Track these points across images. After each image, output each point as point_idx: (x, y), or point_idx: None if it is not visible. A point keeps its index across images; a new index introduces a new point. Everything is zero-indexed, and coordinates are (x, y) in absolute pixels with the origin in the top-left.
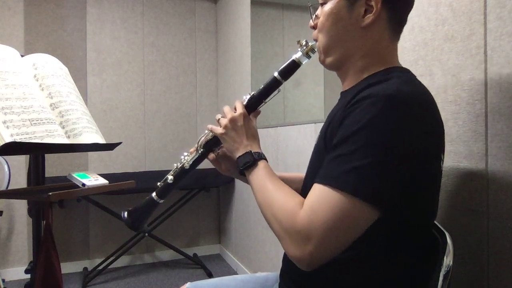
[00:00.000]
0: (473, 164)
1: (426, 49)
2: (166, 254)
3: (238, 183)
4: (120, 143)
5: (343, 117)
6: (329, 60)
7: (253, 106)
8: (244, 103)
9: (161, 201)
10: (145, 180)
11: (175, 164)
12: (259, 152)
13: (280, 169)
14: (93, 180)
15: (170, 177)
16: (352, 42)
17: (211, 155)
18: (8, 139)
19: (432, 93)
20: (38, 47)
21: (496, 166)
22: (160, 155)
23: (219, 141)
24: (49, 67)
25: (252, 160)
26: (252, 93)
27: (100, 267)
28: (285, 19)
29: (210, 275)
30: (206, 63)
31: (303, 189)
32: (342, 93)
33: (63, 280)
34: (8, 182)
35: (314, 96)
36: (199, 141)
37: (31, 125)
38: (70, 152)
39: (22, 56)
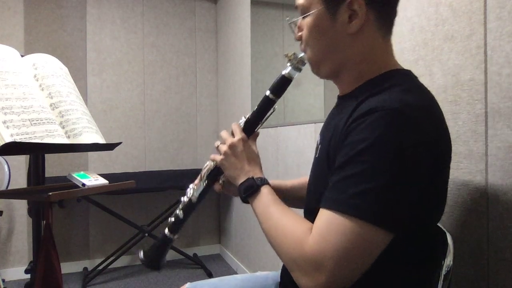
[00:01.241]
0: (473, 164)
1: (426, 49)
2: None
3: None
4: (120, 143)
5: (346, 133)
6: (322, 72)
7: (250, 129)
8: (242, 126)
9: (175, 236)
10: (145, 180)
11: (182, 198)
12: (261, 177)
13: (280, 169)
14: (93, 180)
15: (179, 212)
16: (343, 52)
17: (217, 186)
18: (8, 139)
19: (432, 93)
20: (38, 47)
21: (496, 166)
22: (160, 155)
23: (221, 171)
24: (49, 67)
25: (255, 186)
26: (248, 115)
27: (100, 267)
28: (285, 19)
29: (210, 275)
30: (206, 63)
31: (307, 200)
32: (340, 97)
33: (63, 280)
34: (8, 182)
35: (314, 96)
36: (202, 172)
37: (31, 125)
38: (70, 152)
39: (22, 56)
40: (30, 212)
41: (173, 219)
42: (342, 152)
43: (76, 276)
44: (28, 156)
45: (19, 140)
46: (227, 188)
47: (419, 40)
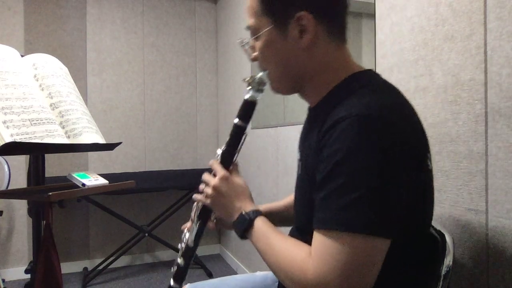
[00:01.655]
0: (473, 164)
1: (426, 49)
2: (166, 254)
3: None
4: (120, 143)
5: (320, 147)
6: (283, 89)
7: (228, 161)
8: (219, 161)
9: (183, 286)
10: (145, 180)
11: (179, 245)
12: (253, 210)
13: (280, 169)
14: (93, 180)
15: (180, 260)
16: (299, 67)
17: (211, 224)
18: (8, 139)
19: (432, 93)
20: (38, 47)
21: (496, 166)
22: (160, 155)
23: (211, 209)
24: (49, 67)
25: (248, 221)
26: (222, 148)
27: (100, 267)
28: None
29: (210, 275)
30: (206, 63)
31: (295, 218)
32: (310, 109)
33: (63, 280)
34: (8, 182)
35: None
36: (192, 215)
37: (31, 125)
38: (70, 152)
39: (22, 56)
40: (30, 212)
41: (175, 268)
42: (320, 168)
43: (76, 276)
44: (28, 156)
45: (19, 140)
46: (222, 224)
47: (419, 40)
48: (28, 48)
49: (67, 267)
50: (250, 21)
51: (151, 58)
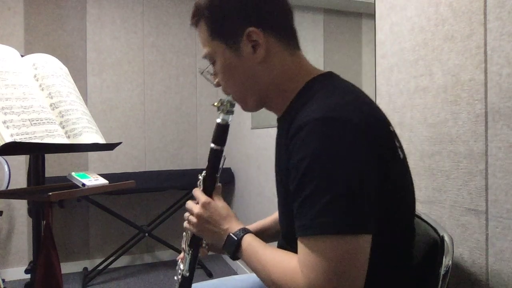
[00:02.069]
0: (473, 164)
1: (426, 49)
2: (166, 254)
3: (238, 183)
4: (120, 143)
5: (288, 156)
6: (250, 106)
7: (210, 186)
8: (201, 188)
9: None
10: (145, 180)
11: (175, 277)
12: (239, 229)
13: None
14: (93, 180)
15: None
16: (260, 80)
17: (203, 251)
18: (8, 139)
19: (432, 93)
20: (38, 47)
21: (496, 166)
22: (160, 155)
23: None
24: (49, 67)
25: (236, 242)
26: (203, 174)
27: (100, 267)
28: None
29: (210, 275)
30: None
31: (280, 227)
32: (278, 119)
33: (63, 280)
34: (8, 182)
35: None
36: (183, 245)
37: (31, 125)
38: (70, 152)
39: (22, 56)
40: (30, 212)
41: None
42: (291, 178)
43: (76, 276)
44: (28, 156)
45: (19, 140)
46: (215, 249)
47: (419, 40)
48: (28, 48)
49: (67, 267)
50: (205, 50)
51: (151, 58)
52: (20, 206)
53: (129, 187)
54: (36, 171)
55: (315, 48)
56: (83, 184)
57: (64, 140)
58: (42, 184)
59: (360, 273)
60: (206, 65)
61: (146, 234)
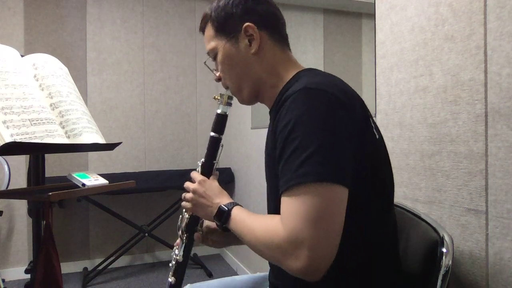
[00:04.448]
0: (473, 164)
1: (426, 49)
2: (166, 254)
3: (238, 183)
4: (120, 143)
5: (274, 127)
6: (245, 95)
7: (208, 170)
8: (199, 172)
9: None
10: (145, 180)
11: (170, 264)
12: (230, 202)
13: None
14: (93, 180)
15: (171, 279)
16: (253, 70)
17: (197, 235)
18: (8, 139)
19: (432, 93)
20: (38, 47)
21: (496, 166)
22: (160, 155)
23: (197, 220)
24: (49, 67)
25: (226, 212)
26: (201, 160)
27: (100, 267)
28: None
29: (210, 275)
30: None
31: (268, 210)
32: (270, 112)
33: (63, 280)
34: (8, 182)
35: None
36: (179, 231)
37: (31, 125)
38: (70, 152)
39: (22, 56)
40: (30, 212)
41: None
42: (278, 143)
43: (76, 276)
44: (28, 156)
45: (19, 140)
46: (207, 239)
47: (419, 40)
48: (28, 48)
49: (67, 267)
50: (209, 45)
51: (151, 58)
52: (20, 206)
53: (129, 187)
54: (36, 171)
55: (315, 48)
56: (83, 184)
57: (64, 140)
58: (42, 184)
59: (336, 223)
60: (209, 59)
61: (146, 234)
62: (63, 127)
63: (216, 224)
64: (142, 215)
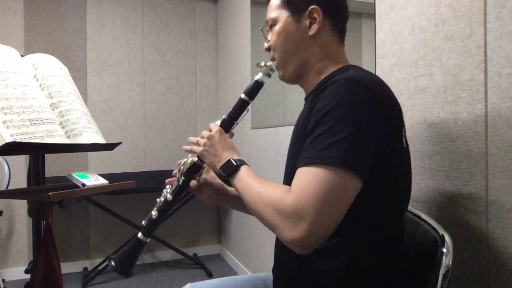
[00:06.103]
0: (473, 164)
1: (426, 49)
2: (166, 254)
3: None
4: (120, 143)
5: (312, 107)
6: (288, 72)
7: (226, 127)
8: (219, 125)
9: (148, 239)
10: (145, 180)
11: (158, 199)
12: (240, 159)
13: (280, 169)
14: (93, 180)
15: (154, 213)
16: (305, 50)
17: (193, 182)
18: (8, 139)
19: (432, 93)
20: (38, 47)
21: (496, 166)
22: (160, 155)
23: (199, 168)
24: (49, 67)
25: (234, 166)
26: (224, 116)
27: (100, 267)
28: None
29: (210, 275)
30: (206, 63)
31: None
32: (305, 98)
33: (63, 280)
34: (8, 182)
35: None
36: (179, 170)
37: (31, 125)
38: (70, 152)
39: (22, 56)
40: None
41: (147, 220)
42: (311, 121)
43: (76, 276)
44: (28, 156)
45: (19, 140)
46: (201, 191)
47: (419, 40)
48: (28, 48)
49: (67, 267)
50: (271, 14)
51: (151, 58)
52: (20, 206)
53: (129, 187)
54: (36, 171)
55: None
56: (83, 184)
57: (64, 140)
58: (42, 184)
59: (340, 210)
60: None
61: None
62: (63, 127)
63: (220, 174)
64: (142, 215)
